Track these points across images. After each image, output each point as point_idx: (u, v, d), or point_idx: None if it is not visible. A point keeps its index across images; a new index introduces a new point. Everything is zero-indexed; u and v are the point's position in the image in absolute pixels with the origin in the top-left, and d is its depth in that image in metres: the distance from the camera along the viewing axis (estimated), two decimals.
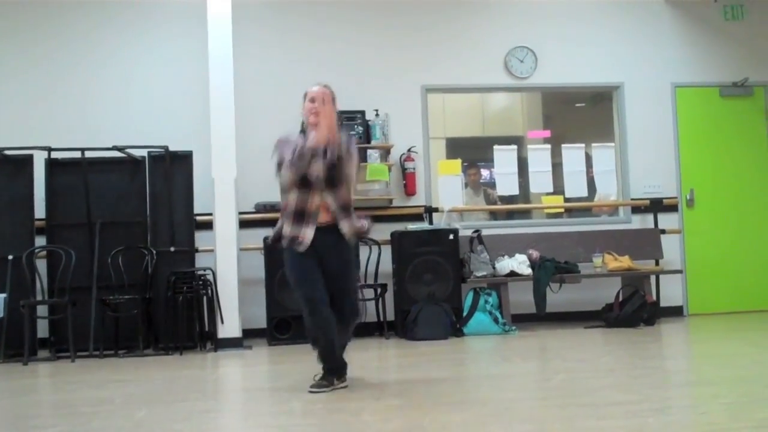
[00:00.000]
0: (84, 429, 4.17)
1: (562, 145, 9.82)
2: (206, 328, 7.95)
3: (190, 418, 4.38)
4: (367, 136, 9.00)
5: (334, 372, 5.17)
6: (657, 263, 9.35)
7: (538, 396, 4.85)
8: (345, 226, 5.18)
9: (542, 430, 3.69)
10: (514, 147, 9.86)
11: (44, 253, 8.05)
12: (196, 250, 8.33)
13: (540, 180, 9.64)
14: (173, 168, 8.31)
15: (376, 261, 8.77)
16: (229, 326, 7.83)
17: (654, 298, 8.90)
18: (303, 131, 5.31)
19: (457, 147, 11.16)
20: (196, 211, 8.35)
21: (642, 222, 9.64)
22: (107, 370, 6.69)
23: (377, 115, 9.06)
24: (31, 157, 8.13)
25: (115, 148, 8.12)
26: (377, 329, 8.58)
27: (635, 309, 8.44)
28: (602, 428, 3.68)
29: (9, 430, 4.37)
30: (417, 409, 4.40)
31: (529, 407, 4.37)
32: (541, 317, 8.62)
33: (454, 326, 8.19)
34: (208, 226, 8.15)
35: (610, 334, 7.88)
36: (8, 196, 8.10)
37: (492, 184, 10.03)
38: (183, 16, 9.05)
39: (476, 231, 8.75)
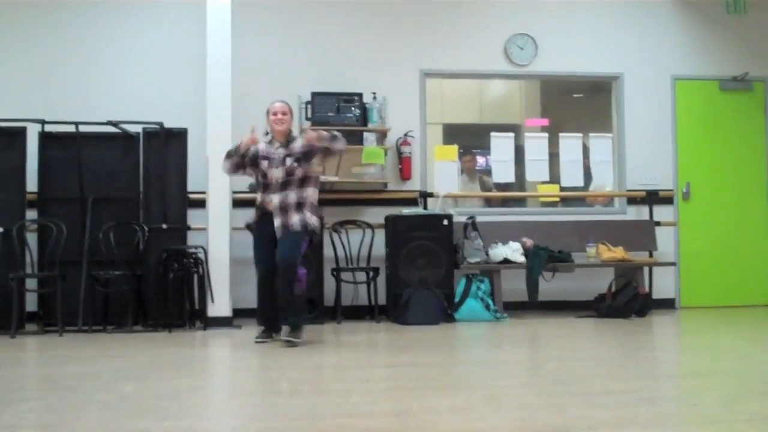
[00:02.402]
0: (70, 403, 4.13)
1: (560, 134, 9.78)
2: (196, 307, 7.92)
3: (177, 395, 4.34)
4: (363, 119, 8.94)
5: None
6: (651, 255, 9.34)
7: (528, 383, 4.82)
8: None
9: (532, 417, 3.66)
10: (512, 134, 9.82)
11: (35, 226, 8.01)
12: (189, 228, 8.29)
13: (536, 168, 9.60)
14: (168, 145, 8.26)
15: (369, 244, 8.73)
16: (220, 305, 7.81)
17: (646, 289, 8.89)
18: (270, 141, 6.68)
19: (453, 133, 11.11)
20: (189, 188, 8.31)
21: (637, 213, 9.62)
22: (95, 345, 6.65)
23: (375, 98, 9.00)
24: (24, 129, 8.07)
25: (109, 123, 8.08)
26: (368, 312, 8.56)
27: (627, 300, 8.43)
28: (593, 417, 3.65)
29: None
30: (406, 392, 4.37)
31: (520, 394, 4.34)
32: (533, 305, 8.61)
33: (446, 312, 8.16)
34: (200, 204, 8.11)
35: (602, 324, 7.87)
36: (0, 169, 8.04)
37: (487, 171, 9.99)
38: None
39: (470, 217, 8.72)
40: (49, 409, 3.99)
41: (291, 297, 6.33)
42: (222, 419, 3.85)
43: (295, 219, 6.39)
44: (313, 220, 6.50)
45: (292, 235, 6.38)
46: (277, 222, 6.39)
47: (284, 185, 6.42)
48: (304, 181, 6.50)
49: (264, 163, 6.47)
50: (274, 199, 6.43)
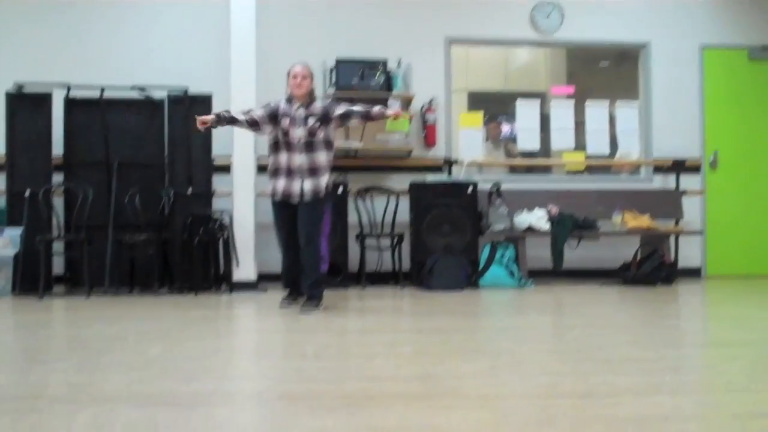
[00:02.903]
0: (95, 363, 4.16)
1: (586, 102, 9.70)
2: (221, 271, 7.96)
3: (202, 357, 4.37)
4: (388, 85, 8.88)
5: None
6: (677, 224, 9.28)
7: (552, 349, 4.80)
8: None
9: (557, 384, 3.65)
10: (537, 102, 9.75)
11: (61, 190, 8.06)
12: (213, 193, 8.31)
13: (562, 136, 9.55)
14: (192, 110, 8.23)
15: (394, 211, 8.73)
16: (245, 269, 7.86)
17: (672, 258, 8.84)
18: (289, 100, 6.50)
19: (478, 100, 11.05)
20: (214, 154, 8.31)
21: (663, 182, 9.55)
22: (121, 308, 6.70)
23: (399, 65, 8.95)
24: (50, 95, 8.10)
25: (134, 87, 8.08)
26: (392, 278, 8.56)
27: (653, 268, 8.39)
28: (618, 384, 3.63)
29: (21, 362, 4.37)
30: (431, 356, 4.37)
31: (544, 360, 4.33)
32: (558, 273, 8.60)
33: (470, 278, 8.16)
34: (225, 169, 8.14)
35: (627, 292, 7.83)
36: (27, 133, 8.09)
37: (512, 139, 9.94)
38: None
39: (495, 185, 8.68)
40: (76, 369, 4.02)
41: (314, 273, 6.36)
42: (247, 381, 3.87)
43: (321, 182, 6.38)
44: (330, 182, 6.52)
45: (315, 209, 6.37)
46: (307, 185, 6.34)
47: (307, 146, 6.39)
48: (324, 144, 6.46)
49: (285, 121, 6.38)
50: (299, 160, 6.36)
